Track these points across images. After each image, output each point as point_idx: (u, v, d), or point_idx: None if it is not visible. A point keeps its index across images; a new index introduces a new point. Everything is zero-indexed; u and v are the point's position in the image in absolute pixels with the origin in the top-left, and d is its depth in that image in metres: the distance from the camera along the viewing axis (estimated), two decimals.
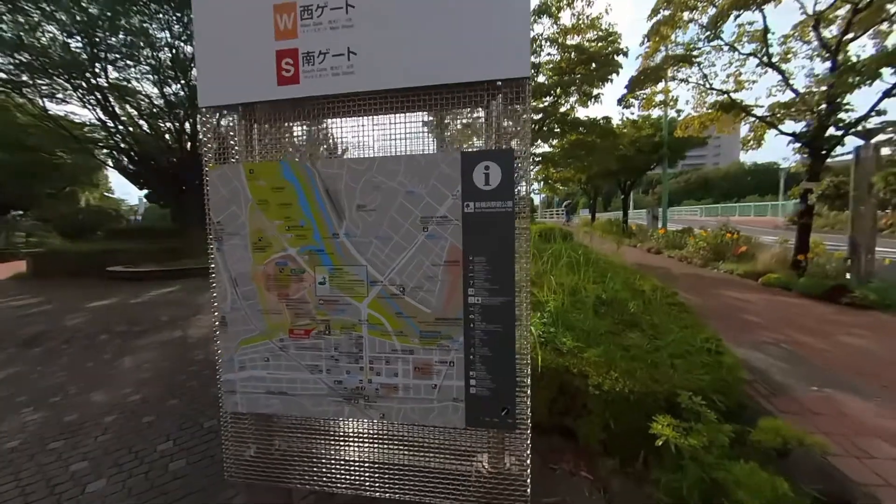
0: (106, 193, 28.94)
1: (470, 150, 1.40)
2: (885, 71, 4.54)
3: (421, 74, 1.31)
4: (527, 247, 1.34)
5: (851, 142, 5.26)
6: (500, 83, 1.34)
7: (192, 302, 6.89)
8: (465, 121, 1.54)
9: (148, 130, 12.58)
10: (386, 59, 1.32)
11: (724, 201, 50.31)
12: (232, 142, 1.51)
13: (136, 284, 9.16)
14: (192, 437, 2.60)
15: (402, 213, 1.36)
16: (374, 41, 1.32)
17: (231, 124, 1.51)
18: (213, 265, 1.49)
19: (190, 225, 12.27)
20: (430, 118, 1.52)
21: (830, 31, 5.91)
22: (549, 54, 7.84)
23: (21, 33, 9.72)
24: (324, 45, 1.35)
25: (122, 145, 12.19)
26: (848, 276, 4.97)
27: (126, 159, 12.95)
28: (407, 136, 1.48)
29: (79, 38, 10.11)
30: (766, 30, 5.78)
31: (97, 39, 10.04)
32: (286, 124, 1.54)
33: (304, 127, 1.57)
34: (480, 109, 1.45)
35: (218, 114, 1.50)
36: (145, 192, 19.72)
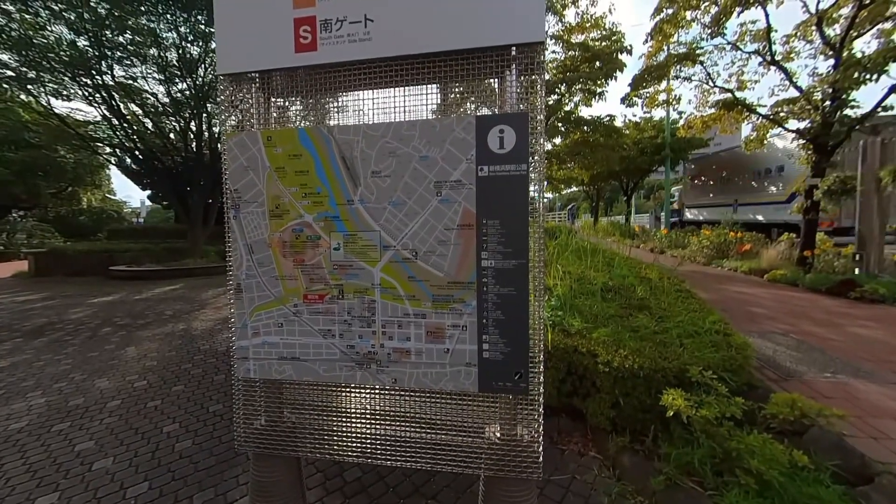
0: (108, 195, 29.05)
1: (485, 114, 1.41)
2: (892, 67, 4.55)
3: (436, 40, 1.33)
4: (542, 210, 1.34)
5: (857, 137, 5.27)
6: (513, 51, 1.35)
7: (196, 298, 6.90)
8: (481, 89, 1.55)
9: (152, 129, 12.66)
10: (402, 25, 1.34)
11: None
12: (250, 112, 1.53)
13: (138, 283, 9.19)
14: (198, 420, 2.59)
15: (415, 179, 1.37)
16: (391, 8, 1.34)
17: (248, 93, 1.53)
18: (228, 233, 1.50)
19: (194, 225, 12.30)
20: (445, 88, 1.53)
21: (834, 30, 5.95)
22: (553, 52, 7.94)
23: (30, 31, 9.84)
24: (341, 13, 1.37)
25: (127, 144, 12.25)
26: (857, 271, 4.95)
27: (130, 158, 13.01)
28: (421, 106, 1.50)
29: (86, 36, 10.22)
30: (769, 28, 5.83)
31: (104, 38, 10.15)
32: (302, 94, 1.55)
33: (320, 96, 1.58)
34: (494, 80, 1.47)
35: (235, 81, 1.51)
36: (148, 192, 19.85)
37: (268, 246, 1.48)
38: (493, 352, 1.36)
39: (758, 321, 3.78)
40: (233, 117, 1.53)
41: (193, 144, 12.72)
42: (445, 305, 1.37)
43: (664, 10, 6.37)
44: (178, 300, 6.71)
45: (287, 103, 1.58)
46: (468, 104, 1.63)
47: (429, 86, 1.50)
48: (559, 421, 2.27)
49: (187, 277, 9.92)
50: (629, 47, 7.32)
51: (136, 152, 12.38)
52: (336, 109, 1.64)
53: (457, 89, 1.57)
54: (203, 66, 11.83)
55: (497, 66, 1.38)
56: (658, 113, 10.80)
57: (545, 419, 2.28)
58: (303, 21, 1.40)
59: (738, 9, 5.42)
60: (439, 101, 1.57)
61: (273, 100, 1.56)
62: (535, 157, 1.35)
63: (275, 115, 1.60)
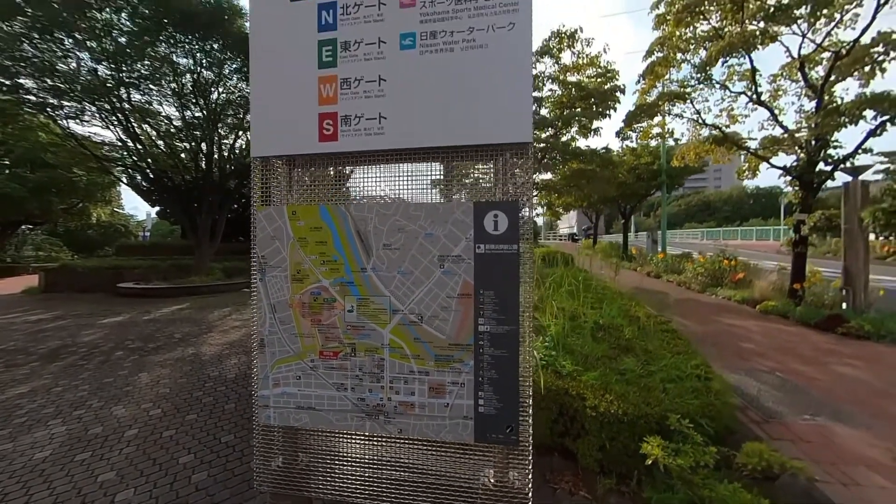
0: (116, 209, 29.55)
1: (481, 200, 1.62)
2: (868, 113, 4.83)
3: (440, 136, 1.56)
4: (530, 283, 1.54)
5: (842, 175, 5.52)
6: (505, 145, 1.58)
7: (203, 320, 7.07)
8: (478, 174, 1.77)
9: (165, 150, 13.09)
10: (411, 123, 1.57)
11: (726, 224, 50.64)
12: (277, 188, 1.75)
13: (145, 301, 9.38)
14: (212, 451, 2.74)
15: (421, 252, 1.58)
16: (402, 108, 1.58)
17: (276, 173, 1.75)
18: (254, 294, 1.70)
19: (201, 242, 12.57)
20: (448, 170, 1.75)
21: (817, 72, 6.28)
22: (550, 90, 8.34)
23: (54, 59, 10.36)
24: (359, 110, 1.61)
25: (140, 164, 12.66)
26: (844, 305, 5.11)
27: (141, 177, 13.42)
28: (428, 184, 1.72)
29: (106, 63, 10.74)
30: (753, 70, 6.16)
31: (124, 66, 10.65)
32: (323, 172, 1.78)
33: (339, 176, 1.81)
34: (491, 163, 1.69)
35: (266, 163, 1.74)
36: (157, 209, 20.26)
37: (289, 306, 1.68)
38: (488, 407, 1.54)
39: (746, 357, 3.92)
40: (262, 193, 1.75)
41: (203, 164, 13.13)
42: (446, 364, 1.56)
43: (655, 52, 6.76)
44: (186, 322, 6.88)
45: (309, 181, 1.81)
46: (469, 182, 1.86)
47: (435, 164, 1.73)
48: (552, 460, 2.41)
49: (193, 295, 10.13)
50: (623, 87, 7.69)
51: (148, 171, 12.78)
52: (351, 183, 1.86)
53: (460, 171, 1.79)
54: (216, 90, 12.35)
55: (491, 155, 1.62)
56: (654, 140, 11.16)
57: (538, 457, 2.44)
58: (326, 116, 1.64)
59: (721, 59, 5.77)
60: (442, 175, 1.80)
61: (297, 178, 1.79)
62: (525, 239, 1.55)
63: (297, 188, 1.82)
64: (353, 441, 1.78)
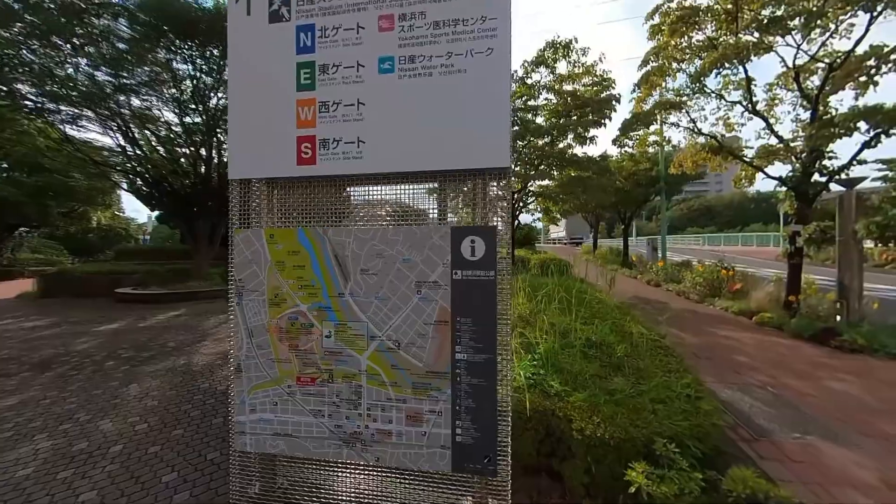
0: (116, 212, 29.60)
1: (459, 225, 1.61)
2: (862, 125, 4.83)
3: (419, 161, 1.55)
4: (509, 311, 1.52)
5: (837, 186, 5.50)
6: (484, 170, 1.56)
7: (198, 327, 7.04)
8: (457, 199, 1.76)
9: (164, 155, 13.11)
10: (389, 147, 1.56)
11: (728, 229, 50.55)
12: (256, 211, 1.74)
13: (143, 306, 9.36)
14: (196, 468, 2.70)
15: (399, 278, 1.56)
16: (380, 132, 1.57)
17: (255, 196, 1.74)
18: (231, 317, 1.68)
19: (199, 247, 12.56)
20: (428, 189, 1.74)
21: (812, 82, 6.29)
22: (546, 98, 8.36)
23: (51, 65, 10.41)
24: (337, 134, 1.60)
25: (139, 169, 12.67)
26: (838, 318, 5.08)
27: (140, 181, 13.44)
28: (408, 200, 1.71)
29: (105, 69, 10.78)
30: (748, 80, 6.17)
31: (123, 72, 10.69)
32: (303, 195, 1.76)
33: (318, 198, 1.79)
34: (470, 183, 1.68)
35: (244, 185, 1.73)
36: (157, 213, 20.28)
37: (266, 331, 1.66)
38: (465, 436, 1.52)
39: (740, 371, 3.88)
40: (240, 215, 1.73)
41: (203, 169, 13.14)
42: (424, 392, 1.54)
43: (650, 62, 6.78)
44: (181, 329, 6.85)
45: (288, 204, 1.79)
46: (448, 202, 1.84)
47: (415, 185, 1.71)
48: (539, 480, 2.37)
49: (191, 301, 10.09)
50: (618, 95, 7.73)
51: (147, 176, 12.79)
52: (331, 206, 1.85)
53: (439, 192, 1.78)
54: (216, 95, 12.38)
55: (470, 179, 1.60)
56: (652, 146, 11.19)
57: (525, 478, 2.39)
58: (304, 139, 1.63)
59: (715, 69, 5.79)
60: (424, 201, 1.78)
61: (275, 200, 1.78)
62: (503, 265, 1.53)
63: (277, 210, 1.81)
64: (332, 468, 1.75)
